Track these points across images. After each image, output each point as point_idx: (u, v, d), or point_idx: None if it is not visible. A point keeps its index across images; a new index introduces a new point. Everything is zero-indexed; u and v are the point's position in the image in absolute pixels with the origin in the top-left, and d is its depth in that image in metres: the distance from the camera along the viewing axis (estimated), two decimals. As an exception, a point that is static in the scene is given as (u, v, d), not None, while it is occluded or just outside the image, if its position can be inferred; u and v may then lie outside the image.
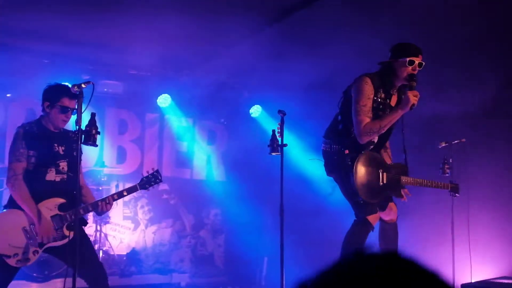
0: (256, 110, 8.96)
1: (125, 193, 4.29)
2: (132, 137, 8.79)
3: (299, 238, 7.20)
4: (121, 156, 8.65)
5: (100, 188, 7.56)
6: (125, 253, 7.92)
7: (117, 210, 8.21)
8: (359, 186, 4.08)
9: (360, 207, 4.25)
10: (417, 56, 4.14)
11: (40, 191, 4.07)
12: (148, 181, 4.34)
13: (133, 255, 7.85)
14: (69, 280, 3.61)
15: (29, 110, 8.05)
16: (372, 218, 4.25)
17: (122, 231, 8.38)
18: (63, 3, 5.94)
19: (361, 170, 4.11)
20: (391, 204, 4.48)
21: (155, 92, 8.46)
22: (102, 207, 4.16)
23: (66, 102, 4.16)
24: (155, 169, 4.42)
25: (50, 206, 4.09)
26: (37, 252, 4.05)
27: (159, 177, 4.39)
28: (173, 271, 7.72)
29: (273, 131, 4.58)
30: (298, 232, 7.01)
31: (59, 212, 4.09)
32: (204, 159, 9.33)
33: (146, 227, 8.79)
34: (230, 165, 9.30)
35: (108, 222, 7.66)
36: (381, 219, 4.44)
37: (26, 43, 7.14)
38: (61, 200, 4.11)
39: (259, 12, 6.10)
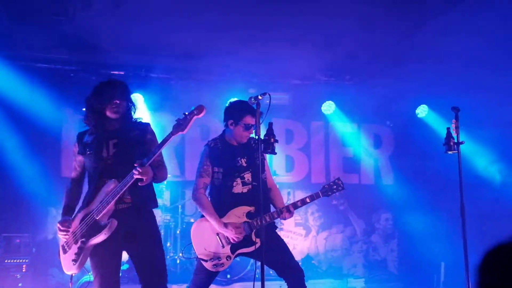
0: (422, 110, 8.68)
1: (308, 200, 4.40)
2: (299, 146, 9.01)
3: (481, 241, 6.80)
4: (290, 164, 8.91)
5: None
6: (299, 258, 8.10)
7: (289, 217, 8.45)
8: None
9: None
10: None
11: (229, 203, 4.34)
12: (330, 189, 4.43)
13: (307, 261, 8.02)
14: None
15: (203, 126, 8.64)
16: None
17: (295, 237, 8.60)
18: (227, 23, 6.27)
19: None
20: None
21: (319, 100, 8.59)
22: (284, 215, 4.33)
23: (249, 120, 4.37)
24: (337, 177, 4.50)
25: (239, 214, 4.32)
26: (230, 257, 4.30)
27: (341, 185, 4.45)
28: (347, 276, 7.74)
29: (448, 129, 4.41)
30: (478, 236, 6.63)
31: (247, 220, 4.32)
32: (371, 164, 9.24)
33: (318, 233, 8.91)
34: (398, 169, 9.10)
35: (281, 229, 7.91)
36: None
37: (195, 63, 7.65)
38: (249, 208, 4.32)
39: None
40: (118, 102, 3.82)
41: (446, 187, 8.37)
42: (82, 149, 3.91)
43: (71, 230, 3.79)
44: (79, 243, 3.69)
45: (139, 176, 3.57)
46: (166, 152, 8.37)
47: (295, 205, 4.38)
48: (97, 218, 3.65)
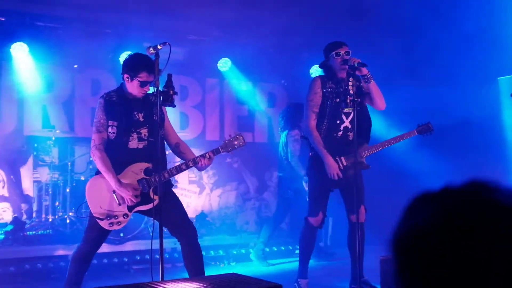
0: (316, 70, 8.85)
1: (208, 155, 4.23)
2: (194, 103, 8.88)
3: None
4: (184, 122, 8.77)
5: (167, 153, 7.70)
6: (193, 216, 8.08)
7: (183, 175, 8.35)
8: None
9: None
10: None
11: (124, 159, 4.16)
12: (231, 144, 4.29)
13: (202, 218, 8.01)
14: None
15: (94, 80, 8.24)
16: None
17: (189, 195, 8.55)
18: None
19: None
20: None
21: (215, 56, 8.47)
22: (203, 162, 4.17)
23: (145, 76, 4.13)
24: (238, 132, 4.40)
25: (136, 171, 4.17)
26: (127, 215, 4.16)
27: (242, 140, 4.33)
28: (240, 232, 7.84)
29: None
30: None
31: (144, 176, 4.17)
32: (265, 122, 9.34)
33: (211, 190, 8.93)
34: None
35: (175, 187, 7.81)
36: None
37: (87, 14, 7.25)
38: (147, 165, 4.17)
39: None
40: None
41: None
42: None
43: None
44: None
45: None
46: (55, 106, 7.90)
47: (204, 156, 4.24)
48: None
